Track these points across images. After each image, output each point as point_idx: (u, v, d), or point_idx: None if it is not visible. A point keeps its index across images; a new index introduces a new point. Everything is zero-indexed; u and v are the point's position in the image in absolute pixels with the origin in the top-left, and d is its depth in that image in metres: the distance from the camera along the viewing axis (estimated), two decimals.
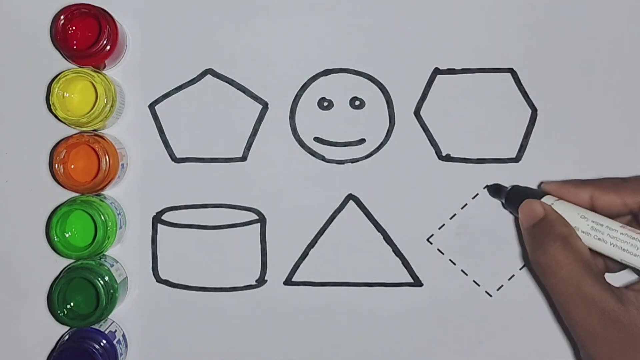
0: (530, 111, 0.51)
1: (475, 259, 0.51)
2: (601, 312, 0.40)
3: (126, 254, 0.52)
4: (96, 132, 0.49)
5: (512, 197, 0.48)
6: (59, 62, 0.51)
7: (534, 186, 0.51)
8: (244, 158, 0.52)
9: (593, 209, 0.44)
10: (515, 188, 0.49)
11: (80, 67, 0.49)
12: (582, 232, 0.43)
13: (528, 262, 0.49)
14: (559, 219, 0.44)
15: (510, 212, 0.50)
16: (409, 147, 0.51)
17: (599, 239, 0.42)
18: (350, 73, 0.51)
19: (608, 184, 0.44)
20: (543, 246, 0.43)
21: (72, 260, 0.50)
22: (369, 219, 0.51)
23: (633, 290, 0.42)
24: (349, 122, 0.51)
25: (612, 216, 0.44)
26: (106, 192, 0.51)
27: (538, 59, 0.51)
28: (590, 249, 0.43)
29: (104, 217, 0.48)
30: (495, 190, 0.50)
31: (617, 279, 0.47)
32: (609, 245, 0.42)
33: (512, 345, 0.51)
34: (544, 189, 0.47)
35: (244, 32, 0.51)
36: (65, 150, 0.48)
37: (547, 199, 0.45)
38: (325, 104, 0.51)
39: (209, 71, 0.51)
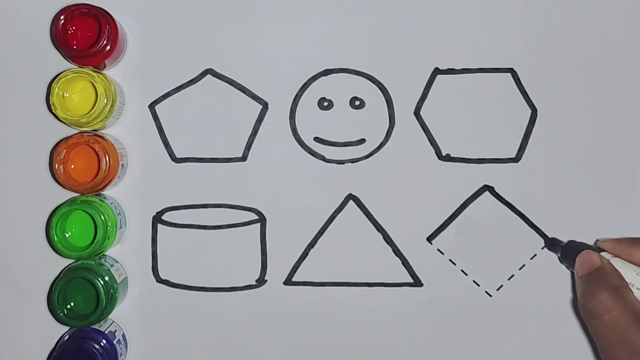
0: (530, 111, 0.51)
1: (475, 259, 0.51)
2: None
3: (126, 254, 0.52)
4: (96, 132, 0.49)
5: (568, 250, 0.48)
6: (59, 62, 0.51)
7: (534, 185, 0.51)
8: (244, 158, 0.52)
9: None
10: (571, 243, 0.49)
11: (80, 67, 0.49)
12: (638, 288, 0.44)
13: (577, 310, 0.49)
14: (613, 271, 0.45)
15: (566, 267, 0.50)
16: (409, 147, 0.51)
17: None
18: (350, 73, 0.51)
19: None
20: (593, 292, 0.44)
21: (72, 260, 0.50)
22: (369, 219, 0.51)
23: None
24: (349, 122, 0.51)
25: None
26: (106, 192, 0.51)
27: (538, 59, 0.51)
28: None
29: (104, 217, 0.48)
30: (551, 244, 0.50)
31: None
32: None
33: (511, 345, 0.51)
34: (600, 245, 0.48)
35: (244, 32, 0.51)
36: (65, 150, 0.48)
37: (604, 255, 0.46)
38: (325, 104, 0.51)
39: (209, 71, 0.51)
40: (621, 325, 0.42)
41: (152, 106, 0.51)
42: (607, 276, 0.44)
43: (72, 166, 0.49)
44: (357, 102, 0.51)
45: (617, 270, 0.45)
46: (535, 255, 0.51)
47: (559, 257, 0.50)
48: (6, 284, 0.51)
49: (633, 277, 0.44)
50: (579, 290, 0.46)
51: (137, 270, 0.52)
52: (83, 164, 0.49)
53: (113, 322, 0.51)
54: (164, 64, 0.51)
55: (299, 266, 0.51)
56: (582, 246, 0.48)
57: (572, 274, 0.50)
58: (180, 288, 0.52)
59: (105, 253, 0.51)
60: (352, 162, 0.52)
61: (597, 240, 0.49)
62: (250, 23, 0.51)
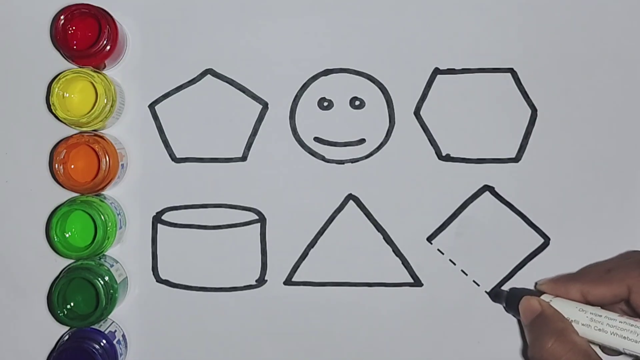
0: (530, 111, 0.51)
1: (475, 259, 0.51)
2: None
3: (126, 254, 0.52)
4: (96, 132, 0.49)
5: (511, 298, 0.48)
6: (59, 62, 0.51)
7: (534, 185, 0.51)
8: (244, 158, 0.52)
9: (587, 303, 0.45)
10: (513, 290, 0.49)
11: (80, 67, 0.49)
12: (582, 324, 0.44)
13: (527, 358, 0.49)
14: (555, 314, 0.45)
15: (513, 315, 0.50)
16: (409, 147, 0.51)
17: (599, 329, 0.43)
18: (350, 73, 0.51)
19: (594, 278, 0.45)
20: (540, 340, 0.44)
21: (72, 260, 0.50)
22: (369, 219, 0.51)
23: None
24: (349, 122, 0.51)
25: (605, 306, 0.45)
26: (106, 192, 0.51)
27: (538, 59, 0.51)
28: (592, 342, 0.44)
29: (104, 217, 0.48)
30: (495, 295, 0.50)
31: None
32: (609, 335, 0.43)
33: (511, 345, 0.51)
34: (539, 288, 0.48)
35: (244, 32, 0.51)
36: (65, 150, 0.48)
37: (545, 297, 0.46)
38: (325, 104, 0.51)
39: (209, 71, 0.51)
40: None
41: (152, 106, 0.51)
42: (549, 321, 0.44)
43: (72, 166, 0.49)
44: (357, 102, 0.51)
45: (557, 312, 0.45)
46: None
47: (504, 307, 0.50)
48: (6, 284, 0.51)
49: (575, 314, 0.44)
50: (527, 339, 0.46)
51: (137, 270, 0.52)
52: (83, 164, 0.49)
53: (113, 322, 0.51)
54: (164, 64, 0.51)
55: (299, 266, 0.51)
56: (523, 292, 0.48)
57: (520, 321, 0.50)
58: (180, 288, 0.52)
59: (105, 253, 0.51)
60: (352, 162, 0.52)
61: (536, 283, 0.49)
62: (250, 23, 0.51)
